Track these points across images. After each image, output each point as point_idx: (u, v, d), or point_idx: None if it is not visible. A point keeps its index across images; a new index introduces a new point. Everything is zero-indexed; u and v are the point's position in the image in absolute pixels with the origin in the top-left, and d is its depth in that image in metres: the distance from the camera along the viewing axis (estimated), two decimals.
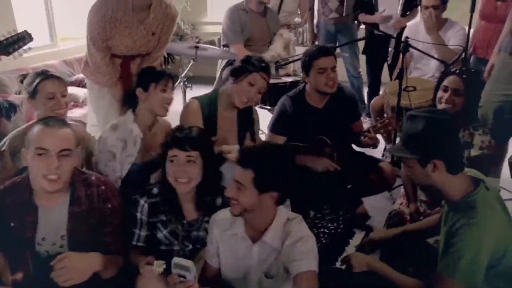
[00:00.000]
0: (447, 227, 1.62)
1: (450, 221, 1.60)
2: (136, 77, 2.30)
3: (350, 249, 2.04)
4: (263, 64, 2.33)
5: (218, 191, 1.88)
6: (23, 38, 2.28)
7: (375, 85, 4.53)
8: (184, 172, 1.79)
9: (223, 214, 1.73)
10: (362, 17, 4.14)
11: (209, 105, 2.37)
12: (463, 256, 1.48)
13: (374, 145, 2.44)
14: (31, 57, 4.36)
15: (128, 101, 2.28)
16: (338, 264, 1.92)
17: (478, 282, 1.49)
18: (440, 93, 2.28)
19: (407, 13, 4.00)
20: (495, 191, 1.67)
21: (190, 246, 1.92)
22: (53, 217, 1.75)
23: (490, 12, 3.18)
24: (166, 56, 5.73)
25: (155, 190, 1.90)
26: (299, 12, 4.82)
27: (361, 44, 4.47)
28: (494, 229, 1.51)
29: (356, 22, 4.30)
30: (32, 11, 4.69)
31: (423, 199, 2.38)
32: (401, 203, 2.45)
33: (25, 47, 2.30)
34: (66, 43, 5.21)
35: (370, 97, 4.46)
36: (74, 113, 3.77)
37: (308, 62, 2.47)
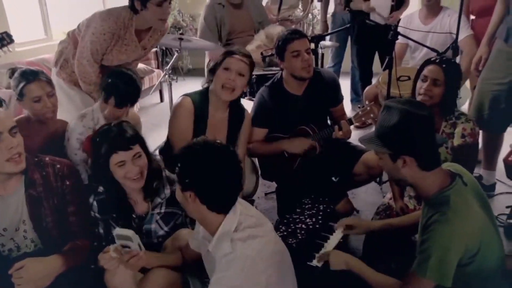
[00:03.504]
0: (422, 223, 1.56)
1: (425, 217, 1.54)
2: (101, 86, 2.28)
3: (331, 243, 1.98)
4: (234, 50, 2.29)
5: (161, 176, 1.90)
6: (2, 40, 2.24)
7: (367, 77, 4.44)
8: (135, 169, 1.78)
9: None
10: (354, 4, 4.03)
11: (200, 103, 2.30)
12: (432, 253, 1.42)
13: (345, 138, 2.39)
14: (26, 51, 4.36)
15: None
16: (315, 261, 1.86)
17: (448, 280, 1.42)
18: (419, 83, 2.19)
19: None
20: (474, 187, 1.59)
21: (144, 240, 1.90)
22: (11, 205, 1.74)
23: (485, 5, 3.05)
24: (164, 49, 5.69)
25: (101, 188, 1.89)
26: (300, 6, 4.75)
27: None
28: (467, 227, 1.43)
29: (348, 10, 4.18)
30: (25, 5, 4.65)
31: (412, 195, 2.30)
32: (391, 198, 2.38)
33: (5, 48, 2.26)
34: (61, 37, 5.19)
35: (363, 89, 4.38)
36: None
37: (281, 46, 2.41)
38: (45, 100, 2.19)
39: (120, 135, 1.78)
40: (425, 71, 2.17)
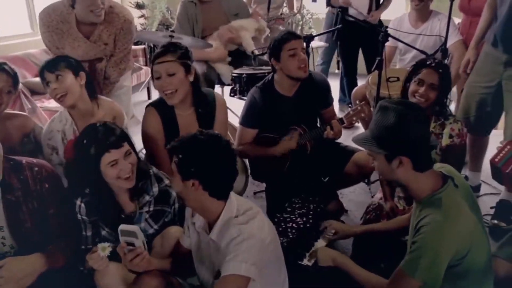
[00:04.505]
0: (413, 225, 1.57)
1: (416, 218, 1.55)
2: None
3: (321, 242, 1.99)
4: (156, 54, 2.23)
5: (148, 175, 1.89)
6: None
7: (351, 73, 4.43)
8: (128, 166, 1.77)
9: None
10: (333, 1, 4.02)
11: (165, 109, 2.28)
12: (423, 255, 1.44)
13: (336, 138, 2.41)
14: (12, 45, 4.29)
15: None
16: (305, 260, 1.87)
17: (437, 282, 1.44)
18: (413, 86, 2.20)
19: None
20: (465, 188, 1.61)
21: None
22: None
23: (465, 5, 3.15)
24: (152, 46, 5.64)
25: (87, 189, 1.86)
26: (285, 4, 4.75)
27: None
28: (458, 229, 1.45)
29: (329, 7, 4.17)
30: None
31: (401, 195, 2.32)
32: (381, 198, 2.39)
33: None
34: None
35: (348, 86, 4.40)
36: (51, 104, 3.69)
37: (277, 46, 2.40)
38: None
39: (110, 133, 1.75)
40: (422, 75, 2.16)
